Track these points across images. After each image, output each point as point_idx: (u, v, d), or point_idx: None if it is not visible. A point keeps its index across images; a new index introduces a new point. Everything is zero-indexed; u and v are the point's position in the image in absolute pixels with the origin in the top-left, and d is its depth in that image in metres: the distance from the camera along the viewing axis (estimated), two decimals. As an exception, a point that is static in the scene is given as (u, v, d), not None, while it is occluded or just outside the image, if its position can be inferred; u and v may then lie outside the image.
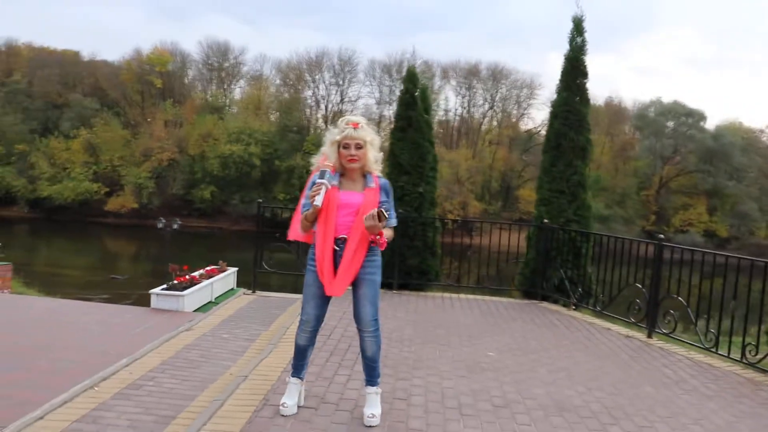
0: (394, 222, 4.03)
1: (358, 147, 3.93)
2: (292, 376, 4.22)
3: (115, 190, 52.95)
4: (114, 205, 52.02)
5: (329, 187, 3.92)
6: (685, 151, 56.88)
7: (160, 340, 6.33)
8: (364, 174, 4.04)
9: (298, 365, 4.22)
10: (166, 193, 53.36)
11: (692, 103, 76.03)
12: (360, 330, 4.12)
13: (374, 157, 4.01)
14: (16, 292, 12.74)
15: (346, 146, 3.93)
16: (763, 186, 55.61)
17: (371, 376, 4.16)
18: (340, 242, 3.95)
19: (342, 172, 4.04)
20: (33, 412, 4.19)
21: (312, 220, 3.98)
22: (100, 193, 52.22)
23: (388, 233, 3.97)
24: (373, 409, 4.09)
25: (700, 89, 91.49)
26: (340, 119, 4.06)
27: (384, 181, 4.08)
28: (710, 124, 58.27)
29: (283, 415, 4.06)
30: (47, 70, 56.97)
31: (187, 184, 53.51)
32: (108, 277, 30.81)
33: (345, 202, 3.95)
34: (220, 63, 63.09)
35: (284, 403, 4.13)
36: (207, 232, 50.57)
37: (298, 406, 4.20)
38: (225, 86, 64.48)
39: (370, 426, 3.98)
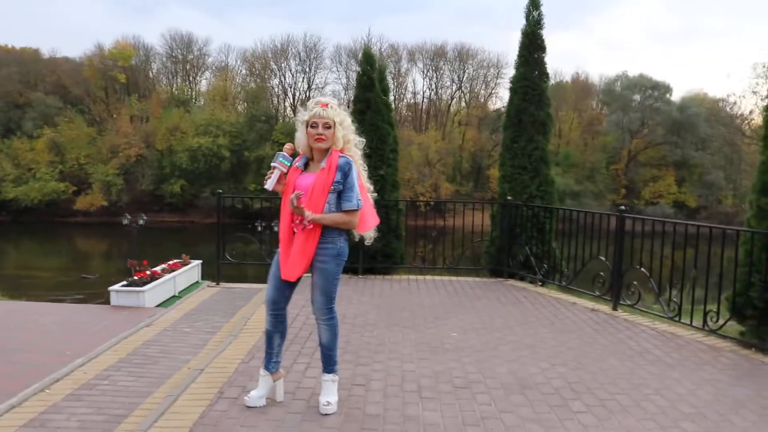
0: (352, 205, 3.87)
1: (326, 127, 3.82)
2: (263, 368, 4.12)
3: (83, 188, 52.01)
4: (83, 203, 51.10)
5: (283, 171, 3.87)
6: (652, 123, 57.29)
7: (118, 338, 6.19)
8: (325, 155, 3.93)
9: (266, 354, 4.11)
10: (136, 190, 52.60)
11: (658, 75, 76.69)
12: (315, 317, 4.05)
13: (345, 138, 3.91)
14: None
15: (314, 125, 3.84)
16: (727, 155, 56.27)
17: (327, 364, 4.08)
18: (295, 225, 3.87)
19: (310, 156, 3.96)
20: (-23, 420, 4.05)
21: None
22: (67, 193, 51.24)
23: (336, 218, 3.86)
24: (329, 396, 4.01)
25: (665, 61, 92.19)
26: (311, 100, 3.96)
27: (344, 160, 3.86)
28: (676, 96, 58.74)
29: (246, 405, 3.99)
30: (6, 69, 55.61)
31: (157, 179, 52.79)
32: (79, 276, 30.39)
33: (299, 184, 3.86)
34: (185, 55, 62.17)
35: (249, 393, 4.07)
36: (179, 227, 50.04)
37: (276, 401, 4.09)
38: (190, 79, 63.63)
39: (325, 414, 3.90)
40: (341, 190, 3.85)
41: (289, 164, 3.90)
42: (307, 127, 3.86)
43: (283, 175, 3.92)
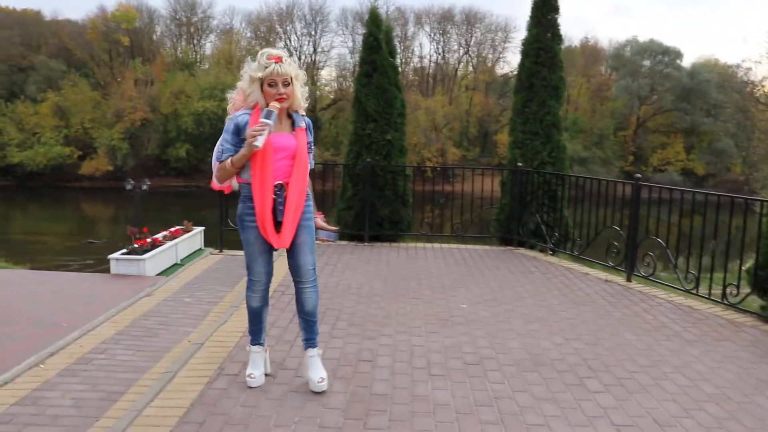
0: (312, 164, 3.80)
1: (285, 84, 3.52)
2: (252, 344, 3.92)
3: (89, 153, 51.73)
4: (88, 168, 50.87)
5: (272, 129, 3.52)
6: (662, 89, 56.47)
7: (117, 308, 6.00)
8: (290, 113, 3.67)
9: (256, 330, 3.91)
10: (141, 154, 52.33)
11: (668, 41, 75.51)
12: (298, 282, 3.77)
13: (303, 94, 3.65)
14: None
15: (272, 83, 3.51)
16: (739, 122, 55.53)
17: (312, 335, 3.81)
18: (277, 189, 3.57)
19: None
20: (-33, 396, 3.87)
21: (239, 167, 3.56)
22: (72, 157, 50.98)
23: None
24: (322, 372, 3.77)
25: (676, 26, 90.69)
26: (260, 53, 3.56)
27: (308, 121, 3.77)
28: (686, 62, 57.81)
29: (250, 387, 3.79)
30: (7, 31, 54.87)
31: (162, 143, 52.47)
32: (85, 241, 30.35)
33: (279, 145, 3.56)
34: (189, 18, 61.37)
35: (251, 374, 3.85)
36: (185, 191, 49.88)
37: (266, 375, 3.93)
38: (195, 42, 62.89)
39: (322, 391, 3.71)
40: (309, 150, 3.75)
41: (275, 122, 3.56)
42: (263, 85, 3.52)
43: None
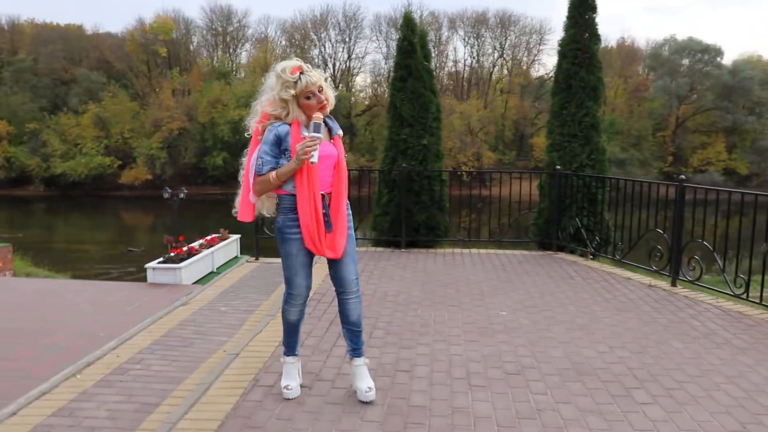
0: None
1: (320, 90, 3.46)
2: (287, 356, 3.84)
3: (128, 162, 52.71)
4: (128, 177, 51.82)
5: (323, 141, 3.46)
6: (702, 88, 55.43)
7: (153, 318, 5.99)
8: (325, 121, 3.56)
9: (291, 342, 3.84)
10: (179, 163, 53.10)
11: (708, 38, 74.07)
12: (342, 293, 3.68)
13: (330, 98, 3.56)
14: (22, 274, 12.50)
15: (309, 96, 3.43)
16: (787, 119, 54.21)
17: (358, 344, 3.74)
18: (324, 200, 3.52)
19: (306, 123, 3.53)
20: (6, 407, 3.86)
21: (284, 180, 3.47)
22: (113, 167, 52.02)
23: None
24: (369, 381, 3.70)
25: (716, 24, 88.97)
26: (278, 71, 3.45)
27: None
28: (727, 60, 56.67)
29: (286, 398, 3.71)
30: (51, 46, 56.33)
31: (199, 152, 53.15)
32: (126, 250, 30.80)
33: (323, 154, 3.47)
34: (224, 27, 62.19)
35: (287, 385, 3.77)
36: (222, 199, 50.09)
37: (301, 386, 3.85)
38: (231, 51, 63.68)
39: (369, 401, 3.62)
40: None
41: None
42: (299, 99, 3.44)
43: None
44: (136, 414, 3.79)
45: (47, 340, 5.44)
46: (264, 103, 3.60)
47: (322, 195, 3.50)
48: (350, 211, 3.68)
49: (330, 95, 3.52)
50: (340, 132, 3.61)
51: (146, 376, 4.49)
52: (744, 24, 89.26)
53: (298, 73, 3.40)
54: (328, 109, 3.53)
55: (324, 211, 3.49)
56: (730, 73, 53.59)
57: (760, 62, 57.11)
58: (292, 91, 3.41)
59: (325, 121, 3.54)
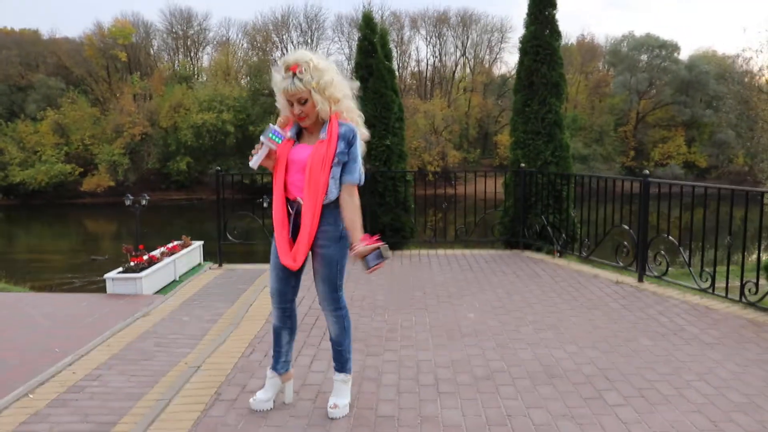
0: (354, 179, 3.35)
1: (302, 102, 3.23)
2: (270, 368, 3.67)
3: (90, 169, 51.58)
4: (89, 185, 50.71)
5: (272, 147, 3.34)
6: (660, 83, 56.23)
7: (112, 331, 5.80)
8: (322, 122, 3.33)
9: (275, 352, 3.64)
10: (142, 169, 52.21)
11: (665, 34, 75.16)
12: (321, 308, 3.58)
13: (330, 99, 3.26)
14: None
15: (290, 103, 3.27)
16: (740, 112, 55.16)
17: (336, 361, 3.62)
18: (293, 205, 3.36)
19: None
20: (-49, 433, 3.66)
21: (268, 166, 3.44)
22: (74, 174, 50.79)
23: (357, 215, 3.37)
24: (338, 398, 3.57)
25: (673, 20, 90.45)
26: (281, 60, 3.28)
27: (346, 128, 3.29)
28: (684, 55, 57.59)
29: (251, 408, 3.59)
30: (6, 51, 54.90)
31: (162, 157, 52.32)
32: (89, 258, 30.20)
33: (294, 158, 3.33)
34: (185, 30, 61.34)
35: (255, 395, 3.65)
36: (187, 204, 49.76)
37: (284, 403, 3.68)
38: (192, 54, 62.84)
39: (332, 418, 3.48)
40: (345, 162, 3.32)
41: (279, 141, 3.34)
42: (284, 98, 3.29)
43: (272, 152, 3.39)
44: (91, 435, 3.62)
45: (-1, 357, 5.21)
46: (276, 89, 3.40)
47: (293, 201, 3.37)
48: (327, 228, 3.37)
49: (319, 104, 3.23)
50: (324, 135, 3.29)
51: (104, 393, 4.31)
52: (698, 20, 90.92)
53: (290, 74, 3.21)
54: (313, 120, 3.30)
55: (296, 218, 3.36)
56: (687, 69, 54.47)
57: (715, 57, 58.16)
58: (279, 90, 3.29)
59: (301, 129, 3.42)
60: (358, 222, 3.35)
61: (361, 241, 3.28)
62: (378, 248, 3.28)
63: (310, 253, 3.43)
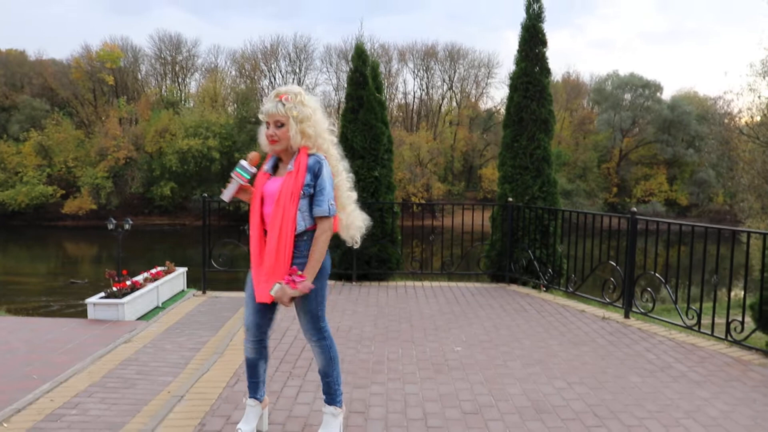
0: (322, 211, 3.30)
1: (278, 125, 3.28)
2: (249, 397, 3.64)
3: (72, 192, 51.19)
4: (71, 207, 50.25)
5: (240, 182, 3.41)
6: (643, 122, 57.05)
7: (93, 357, 5.68)
8: (291, 154, 3.36)
9: (251, 383, 3.63)
10: (125, 193, 51.91)
11: (649, 75, 76.53)
12: (306, 339, 3.55)
13: (305, 133, 3.29)
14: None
15: (267, 125, 3.33)
16: (721, 152, 55.97)
17: (326, 393, 3.59)
18: (266, 237, 3.35)
19: (279, 157, 3.44)
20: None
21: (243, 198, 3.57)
22: (56, 197, 50.35)
23: (320, 250, 3.31)
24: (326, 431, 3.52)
25: (657, 61, 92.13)
26: (272, 92, 3.38)
27: (313, 160, 3.30)
28: (666, 95, 58.62)
29: None
30: (-9, 71, 54.87)
31: (146, 181, 52.09)
32: (68, 282, 29.82)
33: (267, 191, 3.37)
34: (174, 56, 61.48)
35: (239, 429, 3.56)
36: (170, 230, 49.45)
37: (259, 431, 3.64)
38: (179, 80, 62.92)
39: None
40: (312, 194, 3.31)
41: (248, 176, 3.40)
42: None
43: (245, 186, 3.45)
44: (70, 465, 3.52)
45: (-24, 382, 5.08)
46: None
47: (266, 233, 3.36)
48: (303, 261, 3.32)
49: (292, 134, 3.28)
50: (291, 167, 3.30)
51: (83, 422, 4.20)
52: (681, 61, 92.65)
53: (277, 100, 3.29)
54: (284, 147, 3.33)
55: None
56: (670, 108, 55.35)
57: (697, 98, 59.24)
58: (262, 114, 3.35)
59: (277, 162, 3.48)
60: (312, 258, 3.31)
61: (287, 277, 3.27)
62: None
63: None
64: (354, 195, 3.59)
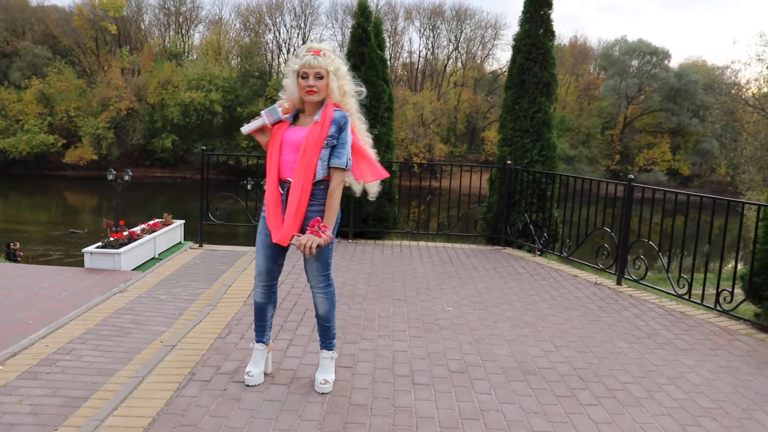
0: (341, 162, 3.42)
1: (318, 77, 3.37)
2: (256, 341, 3.79)
3: (73, 141, 51.06)
4: (72, 157, 50.17)
5: (266, 122, 3.47)
6: (649, 90, 56.60)
7: (88, 305, 5.75)
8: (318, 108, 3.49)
9: (259, 327, 3.78)
10: (126, 144, 51.81)
11: (657, 41, 75.62)
12: (310, 286, 3.69)
13: (339, 89, 3.45)
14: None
15: (305, 76, 3.39)
16: (726, 123, 55.57)
17: (324, 338, 3.75)
18: (284, 185, 3.46)
19: (301, 108, 3.54)
20: None
21: (260, 141, 3.60)
22: (57, 146, 50.21)
23: (335, 202, 3.46)
24: (326, 374, 3.71)
25: (666, 27, 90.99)
26: (303, 46, 3.46)
27: (339, 113, 3.43)
28: (674, 63, 58.03)
29: (247, 385, 3.67)
30: (-8, 16, 54.21)
31: (148, 133, 51.94)
32: (68, 231, 29.96)
33: (289, 139, 3.45)
34: (177, 7, 60.74)
35: (249, 372, 3.72)
36: (170, 182, 49.50)
37: (265, 374, 3.81)
38: (183, 32, 62.27)
39: (322, 393, 3.62)
40: (334, 146, 3.42)
41: (275, 118, 3.47)
42: (297, 77, 3.41)
43: (267, 127, 3.50)
44: (61, 409, 3.60)
45: (-28, 326, 5.16)
46: (287, 77, 3.57)
47: (285, 181, 3.46)
48: (320, 208, 3.44)
49: (332, 85, 3.41)
50: (317, 117, 3.40)
51: (76, 367, 4.28)
52: (690, 29, 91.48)
53: (310, 53, 3.38)
54: (322, 98, 3.43)
55: (285, 197, 3.46)
56: (677, 77, 54.84)
57: (705, 67, 58.61)
58: (296, 66, 3.42)
59: (297, 114, 3.57)
60: (329, 209, 3.45)
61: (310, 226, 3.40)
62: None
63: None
64: (374, 154, 3.71)
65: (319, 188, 3.45)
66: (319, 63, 3.36)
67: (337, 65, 3.43)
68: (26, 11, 57.35)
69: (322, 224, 3.37)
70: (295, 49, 58.11)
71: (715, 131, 54.62)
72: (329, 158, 3.43)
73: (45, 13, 57.56)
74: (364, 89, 3.62)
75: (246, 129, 3.51)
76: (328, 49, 3.45)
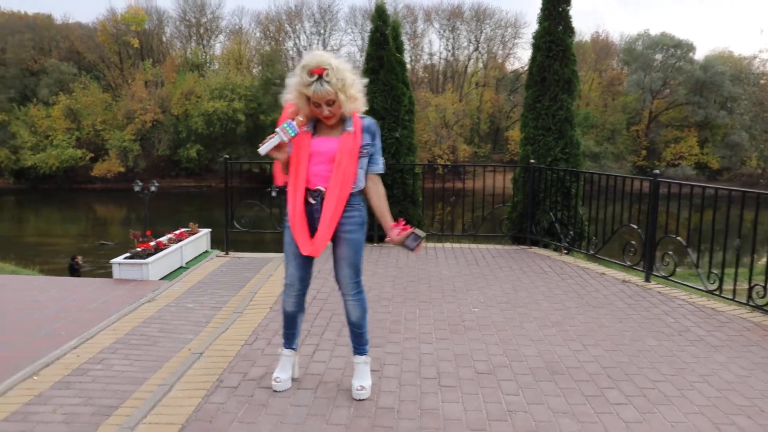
0: (380, 168, 3.57)
1: (329, 103, 3.34)
2: (284, 348, 3.82)
3: (100, 155, 51.79)
4: (100, 170, 50.90)
5: (284, 139, 3.36)
6: (674, 83, 55.81)
7: (118, 315, 5.82)
8: (344, 118, 3.46)
9: (289, 334, 3.81)
10: (152, 155, 52.37)
11: (681, 34, 74.75)
12: (342, 294, 3.69)
13: (352, 97, 3.37)
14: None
15: (317, 105, 3.35)
16: (756, 114, 54.72)
17: (358, 344, 3.75)
18: (314, 195, 3.45)
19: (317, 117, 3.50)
20: (-44, 412, 3.68)
21: (284, 165, 3.54)
22: (85, 159, 50.98)
23: (384, 202, 3.59)
24: (362, 380, 3.70)
25: (689, 20, 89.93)
26: (301, 64, 3.33)
27: (369, 121, 3.49)
28: (699, 55, 57.15)
29: (275, 391, 3.70)
30: (19, 35, 55.06)
31: (173, 144, 52.46)
32: (98, 243, 30.35)
33: (317, 149, 3.43)
34: (198, 18, 61.33)
35: (276, 377, 3.75)
36: (196, 192, 49.95)
37: (292, 379, 3.84)
38: (204, 42, 62.84)
39: (360, 399, 3.62)
40: (372, 153, 3.51)
41: (293, 134, 3.36)
42: (308, 101, 3.36)
43: (284, 143, 3.40)
44: (93, 417, 3.64)
45: (3, 338, 5.25)
46: (291, 89, 3.43)
47: (319, 190, 3.44)
48: (354, 214, 3.51)
49: (344, 104, 3.34)
50: (351, 128, 3.41)
51: (107, 376, 4.33)
52: (715, 20, 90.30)
53: (315, 77, 3.26)
54: (338, 118, 3.42)
55: (315, 207, 3.46)
56: (702, 69, 54.01)
57: (731, 58, 57.67)
58: (306, 91, 3.33)
59: (317, 122, 3.50)
60: (387, 210, 3.57)
61: (392, 228, 3.50)
62: (412, 232, 3.46)
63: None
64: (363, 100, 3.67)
65: (356, 196, 3.51)
66: (327, 90, 3.27)
67: (341, 76, 3.30)
68: (51, 29, 58.34)
69: (402, 224, 3.50)
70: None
71: (744, 123, 53.87)
72: (368, 165, 3.52)
73: (69, 30, 58.50)
74: (365, 79, 3.56)
75: (263, 150, 3.38)
76: (325, 59, 3.30)
